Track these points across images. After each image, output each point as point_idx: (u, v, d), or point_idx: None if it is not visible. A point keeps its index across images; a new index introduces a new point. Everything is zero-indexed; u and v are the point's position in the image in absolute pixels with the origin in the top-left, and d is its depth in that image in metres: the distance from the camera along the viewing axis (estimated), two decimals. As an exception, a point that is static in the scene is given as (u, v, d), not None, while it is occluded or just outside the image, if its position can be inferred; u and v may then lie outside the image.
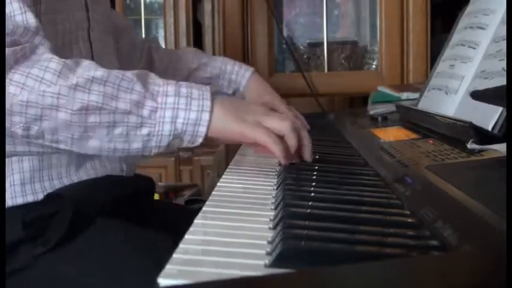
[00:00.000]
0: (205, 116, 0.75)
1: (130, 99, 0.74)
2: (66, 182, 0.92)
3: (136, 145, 0.76)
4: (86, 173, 0.95)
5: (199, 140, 0.78)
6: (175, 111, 0.75)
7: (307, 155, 0.85)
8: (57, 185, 0.91)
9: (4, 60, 0.82)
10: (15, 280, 0.85)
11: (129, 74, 0.76)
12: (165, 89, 0.75)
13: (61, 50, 0.93)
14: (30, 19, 0.79)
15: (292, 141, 0.80)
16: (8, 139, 0.77)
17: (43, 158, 0.90)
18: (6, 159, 0.86)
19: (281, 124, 0.79)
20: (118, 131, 0.75)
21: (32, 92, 0.72)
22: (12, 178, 0.88)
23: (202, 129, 0.76)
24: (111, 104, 0.73)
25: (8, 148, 0.81)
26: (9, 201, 0.88)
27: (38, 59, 0.75)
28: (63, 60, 0.76)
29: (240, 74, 1.27)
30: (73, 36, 0.96)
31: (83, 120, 0.74)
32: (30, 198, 0.89)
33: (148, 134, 0.75)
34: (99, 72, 0.74)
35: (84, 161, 0.94)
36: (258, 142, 0.78)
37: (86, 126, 0.74)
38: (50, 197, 0.90)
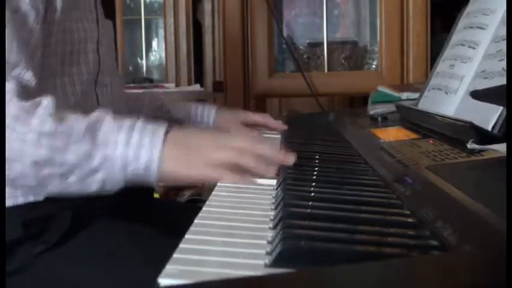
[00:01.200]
0: (154, 165, 0.77)
1: (79, 152, 0.76)
2: None
3: (94, 188, 0.78)
4: None
5: (153, 183, 0.80)
6: (125, 161, 0.77)
7: (283, 159, 0.83)
8: None
9: (4, 60, 0.82)
10: (14, 279, 0.85)
11: (79, 125, 0.77)
12: (115, 138, 0.77)
13: (69, 58, 0.95)
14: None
15: (248, 165, 0.79)
16: None
17: None
18: None
19: (229, 153, 0.80)
20: (72, 179, 0.77)
21: None
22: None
23: (153, 177, 0.78)
24: (60, 158, 0.76)
25: None
26: (10, 201, 0.88)
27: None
28: (21, 104, 0.77)
29: (205, 114, 1.27)
30: (82, 47, 0.98)
31: (37, 172, 0.76)
32: (31, 199, 0.89)
33: (103, 180, 0.78)
34: (48, 126, 0.76)
35: None
36: (210, 180, 0.81)
37: (40, 178, 0.77)
38: (49, 198, 0.90)
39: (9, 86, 0.78)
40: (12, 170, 0.76)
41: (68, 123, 0.77)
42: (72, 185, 0.78)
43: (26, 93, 0.81)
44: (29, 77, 0.83)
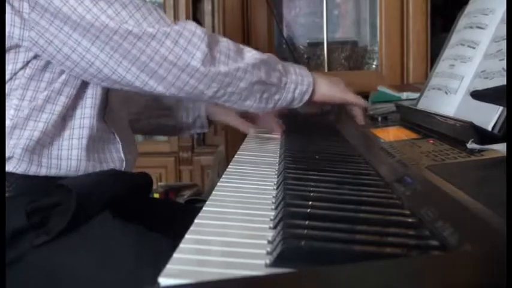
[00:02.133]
0: (310, 88, 1.06)
1: (277, 76, 1.02)
2: (69, 163, 0.94)
3: (272, 104, 1.03)
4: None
5: (302, 101, 1.06)
6: (295, 83, 1.04)
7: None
8: (61, 164, 0.93)
9: (4, 60, 0.82)
10: (15, 268, 0.85)
11: (274, 58, 1.04)
12: (291, 69, 1.05)
13: None
14: None
15: (362, 102, 1.17)
16: None
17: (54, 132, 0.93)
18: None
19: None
20: (265, 95, 1.01)
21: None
22: (21, 142, 0.89)
23: (307, 97, 1.05)
24: (267, 78, 1.00)
25: None
26: (11, 166, 0.89)
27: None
28: (231, 44, 0.98)
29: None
30: None
31: (251, 78, 0.98)
32: (33, 169, 0.90)
33: (279, 99, 1.03)
34: (259, 55, 1.00)
35: (93, 149, 0.97)
36: (351, 102, 1.15)
37: (251, 83, 0.98)
38: (54, 188, 0.90)
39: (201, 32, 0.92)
40: (237, 86, 0.96)
41: (265, 56, 1.01)
42: (264, 100, 1.01)
43: None
44: None
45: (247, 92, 0.98)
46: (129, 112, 1.21)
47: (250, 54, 1.00)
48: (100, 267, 0.84)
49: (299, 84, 1.04)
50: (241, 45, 1.01)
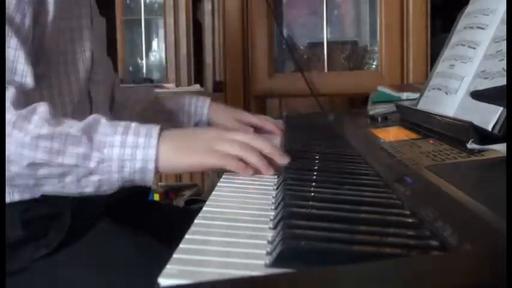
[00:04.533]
0: (151, 164, 0.79)
1: (77, 153, 0.78)
2: None
3: (89, 189, 0.80)
4: None
5: (150, 183, 0.81)
6: (121, 162, 0.78)
7: (280, 160, 0.84)
8: None
9: (4, 61, 0.82)
10: (14, 282, 0.84)
11: (76, 128, 0.79)
12: (111, 140, 0.79)
13: (68, 57, 0.96)
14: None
15: (251, 159, 0.81)
16: None
17: None
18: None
19: (232, 146, 0.81)
20: (68, 179, 0.79)
21: None
22: None
23: (150, 176, 0.80)
24: (57, 160, 0.77)
25: None
26: (7, 198, 0.88)
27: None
28: (17, 112, 0.78)
29: (198, 105, 1.26)
30: (78, 44, 0.98)
31: (33, 173, 0.78)
32: (27, 196, 0.89)
33: (99, 180, 0.79)
34: (45, 129, 0.77)
35: None
36: (213, 168, 0.82)
37: (37, 178, 0.79)
38: (47, 197, 0.89)
39: (8, 94, 0.80)
40: (9, 171, 0.78)
41: (64, 126, 0.79)
42: (69, 185, 0.79)
43: (26, 97, 0.82)
44: (28, 80, 0.84)
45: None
46: (130, 115, 1.20)
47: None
48: (100, 278, 0.84)
49: (127, 161, 0.78)
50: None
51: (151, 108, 1.27)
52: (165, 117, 1.27)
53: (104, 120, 0.81)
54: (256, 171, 0.81)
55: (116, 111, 1.21)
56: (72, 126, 0.79)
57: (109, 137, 0.79)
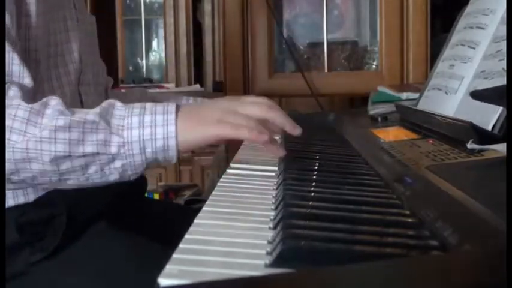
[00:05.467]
0: (172, 141, 0.77)
1: (97, 140, 0.76)
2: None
3: (114, 177, 0.79)
4: None
5: (174, 160, 0.80)
6: (142, 143, 0.77)
7: (291, 130, 0.84)
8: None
9: (4, 62, 0.82)
10: (11, 287, 0.84)
11: (92, 114, 0.77)
12: (129, 121, 0.77)
13: (56, 60, 0.95)
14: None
15: (263, 132, 0.80)
16: None
17: None
18: None
19: (243, 118, 0.80)
20: (92, 169, 0.77)
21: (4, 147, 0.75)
22: None
23: (173, 153, 0.78)
24: (78, 150, 0.75)
25: None
26: None
27: (9, 103, 0.76)
28: (29, 105, 0.77)
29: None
30: (66, 47, 0.97)
31: (56, 168, 0.76)
32: (21, 200, 0.88)
33: (123, 166, 0.77)
34: (61, 120, 0.76)
35: None
36: (223, 139, 0.81)
37: (61, 173, 0.77)
38: (42, 201, 0.89)
39: (13, 93, 0.78)
40: (32, 169, 0.76)
41: (80, 114, 0.77)
42: (93, 175, 0.78)
43: (27, 97, 0.81)
44: (27, 81, 0.83)
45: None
46: None
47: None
48: (99, 281, 0.83)
49: (148, 141, 0.77)
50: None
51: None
52: None
53: (118, 104, 0.79)
54: (270, 139, 0.80)
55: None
56: (88, 113, 0.77)
57: (126, 119, 0.77)
